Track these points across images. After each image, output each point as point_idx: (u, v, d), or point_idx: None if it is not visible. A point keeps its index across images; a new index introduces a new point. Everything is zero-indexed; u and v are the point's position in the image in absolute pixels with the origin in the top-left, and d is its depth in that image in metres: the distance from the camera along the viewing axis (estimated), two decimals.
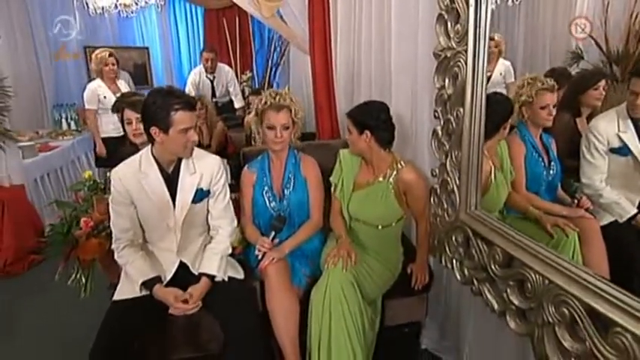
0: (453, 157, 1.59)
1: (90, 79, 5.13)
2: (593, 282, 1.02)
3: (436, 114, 1.67)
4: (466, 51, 1.43)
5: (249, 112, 3.73)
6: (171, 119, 1.48)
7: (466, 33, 1.42)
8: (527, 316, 1.26)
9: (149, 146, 1.62)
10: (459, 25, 1.46)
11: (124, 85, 3.79)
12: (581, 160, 1.41)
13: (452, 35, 1.51)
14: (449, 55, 1.53)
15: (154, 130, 1.50)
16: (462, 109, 1.49)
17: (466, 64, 1.44)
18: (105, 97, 3.57)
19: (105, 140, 3.66)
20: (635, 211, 1.27)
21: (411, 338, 2.03)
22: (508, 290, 1.31)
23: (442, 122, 1.64)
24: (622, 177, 1.33)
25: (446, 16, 1.53)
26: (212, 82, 4.29)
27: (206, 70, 4.22)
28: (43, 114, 5.03)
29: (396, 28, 1.97)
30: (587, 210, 1.39)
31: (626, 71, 1.37)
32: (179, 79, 6.23)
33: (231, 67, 4.86)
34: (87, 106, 3.59)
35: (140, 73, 5.59)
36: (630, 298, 0.93)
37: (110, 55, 3.54)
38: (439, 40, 1.58)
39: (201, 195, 1.65)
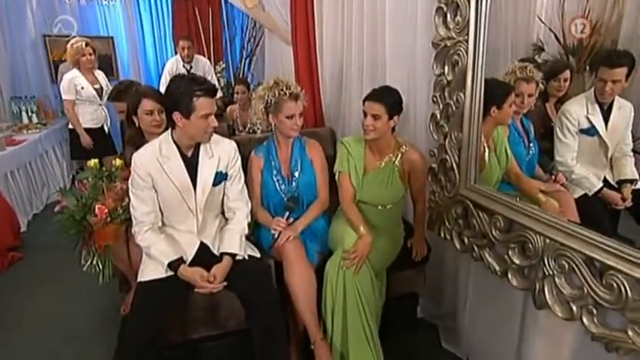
0: (453, 137, 1.75)
1: (56, 70, 4.95)
2: (590, 235, 1.20)
3: (435, 99, 1.82)
4: (467, 41, 1.58)
5: (235, 102, 3.77)
6: (193, 105, 1.53)
7: (467, 24, 1.57)
8: (527, 272, 1.45)
9: (168, 131, 1.66)
10: (459, 17, 1.61)
11: (101, 76, 3.69)
12: (555, 140, 1.59)
13: (452, 26, 1.65)
14: (449, 44, 1.68)
15: (176, 115, 1.55)
16: (462, 94, 1.65)
17: (467, 52, 1.59)
18: (82, 87, 3.47)
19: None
20: (601, 185, 1.48)
21: (409, 308, 2.20)
22: (509, 252, 1.49)
23: (441, 106, 1.79)
24: (589, 155, 1.52)
25: (445, 9, 1.67)
26: (188, 71, 4.23)
27: (183, 60, 4.17)
28: None
29: (390, 16, 2.07)
30: (562, 185, 1.57)
31: (581, 62, 1.57)
32: (146, 69, 6.06)
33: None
34: (65, 97, 3.48)
35: (105, 64, 5.37)
36: (620, 245, 1.13)
37: (87, 44, 3.43)
38: (438, 30, 1.73)
39: (220, 178, 1.72)
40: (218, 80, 4.76)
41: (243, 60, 5.22)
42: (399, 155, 1.88)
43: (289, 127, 1.90)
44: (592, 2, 1.43)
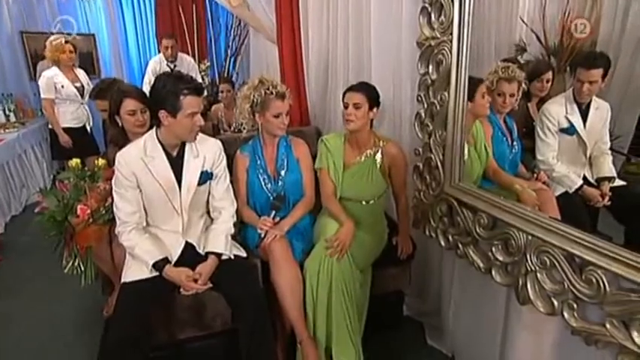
0: (437, 136, 1.77)
1: (34, 67, 4.82)
2: (570, 231, 1.23)
3: (419, 98, 1.84)
4: (451, 40, 1.60)
5: (219, 101, 3.73)
6: (180, 103, 1.52)
7: (451, 24, 1.58)
8: (510, 269, 1.47)
9: (153, 130, 1.64)
10: (443, 17, 1.63)
11: (82, 74, 3.61)
12: (536, 139, 1.62)
13: (436, 26, 1.67)
14: (433, 44, 1.69)
15: (162, 113, 1.53)
16: (446, 94, 1.67)
17: (450, 52, 1.61)
18: (62, 86, 3.39)
19: (64, 131, 3.48)
20: (581, 182, 1.51)
21: (394, 306, 2.22)
22: (493, 249, 1.51)
23: (425, 105, 1.81)
24: (569, 153, 1.55)
25: (429, 9, 1.69)
26: (172, 70, 4.18)
27: (166, 59, 4.11)
28: None
29: (375, 15, 2.08)
30: (544, 183, 1.60)
31: (562, 62, 1.60)
32: (128, 67, 5.96)
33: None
34: (44, 96, 3.39)
35: (87, 62, 5.26)
36: (599, 241, 1.15)
37: (66, 41, 3.35)
38: (422, 30, 1.74)
39: (205, 177, 1.70)
40: (202, 79, 4.71)
41: (228, 59, 5.18)
42: (379, 149, 1.91)
43: (276, 126, 1.90)
44: (572, 4, 1.46)
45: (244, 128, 2.02)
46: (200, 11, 5.29)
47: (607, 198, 1.43)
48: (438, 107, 1.73)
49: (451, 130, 1.68)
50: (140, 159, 1.59)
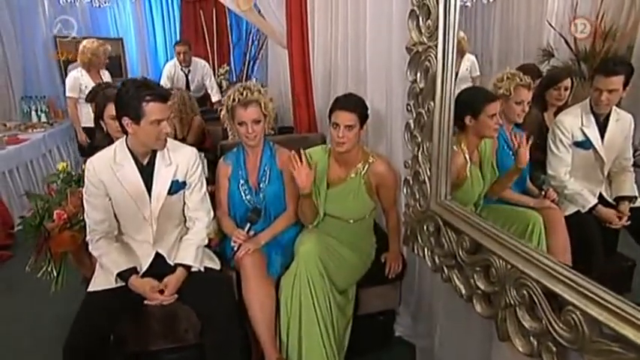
0: (425, 149, 1.64)
1: (66, 70, 5.04)
2: (549, 264, 1.08)
3: (409, 107, 1.72)
4: (436, 46, 1.47)
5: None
6: (142, 110, 1.48)
7: (436, 28, 1.46)
8: (492, 299, 1.32)
9: (123, 137, 1.61)
10: (429, 21, 1.51)
11: (107, 75, 3.73)
12: (548, 152, 1.48)
13: (423, 30, 1.55)
14: (420, 49, 1.57)
15: (125, 120, 1.50)
16: (432, 103, 1.54)
17: (436, 58, 1.48)
18: (86, 87, 3.50)
19: (85, 130, 3.61)
20: (596, 201, 1.36)
21: (385, 326, 2.10)
22: (475, 276, 1.37)
23: (414, 115, 1.68)
24: (584, 169, 1.41)
25: (418, 12, 1.57)
26: (187, 75, 4.25)
27: (180, 64, 4.18)
28: (10, 106, 4.85)
29: (370, 22, 2.00)
30: (552, 201, 1.46)
31: (592, 69, 1.45)
32: (155, 71, 6.12)
33: (207, 60, 4.82)
34: (68, 94, 3.56)
35: (114, 65, 5.44)
36: (580, 278, 1.00)
37: (100, 45, 3.49)
38: (411, 35, 1.62)
39: (177, 187, 1.65)
40: (220, 83, 4.75)
41: (247, 63, 5.20)
42: (367, 167, 1.79)
43: (243, 135, 1.83)
44: (606, 6, 1.31)
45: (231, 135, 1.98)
46: (221, 18, 5.38)
47: (624, 219, 1.28)
48: (425, 118, 1.60)
49: (437, 142, 1.55)
50: (109, 166, 1.57)
